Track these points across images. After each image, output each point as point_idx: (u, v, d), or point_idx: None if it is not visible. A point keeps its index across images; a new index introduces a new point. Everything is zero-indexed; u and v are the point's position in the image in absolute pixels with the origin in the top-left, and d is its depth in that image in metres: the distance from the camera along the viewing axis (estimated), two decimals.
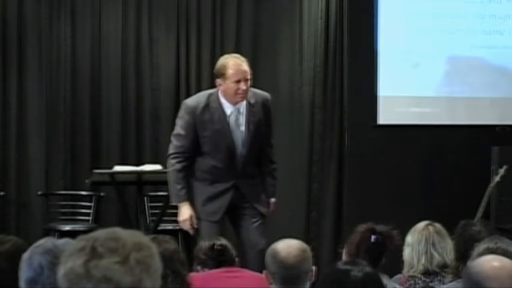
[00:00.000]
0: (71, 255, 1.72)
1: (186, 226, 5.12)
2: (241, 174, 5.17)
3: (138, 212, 6.89)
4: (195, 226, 5.10)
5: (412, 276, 4.04)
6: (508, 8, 7.54)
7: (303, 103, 7.50)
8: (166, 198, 6.33)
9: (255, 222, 5.19)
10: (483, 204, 6.31)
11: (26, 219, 7.31)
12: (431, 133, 7.39)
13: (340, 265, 2.82)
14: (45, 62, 7.33)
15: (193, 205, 5.11)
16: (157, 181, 6.56)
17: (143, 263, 1.72)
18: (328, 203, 7.49)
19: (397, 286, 3.95)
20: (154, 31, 7.46)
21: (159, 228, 6.58)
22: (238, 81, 5.06)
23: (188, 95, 7.46)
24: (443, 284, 3.92)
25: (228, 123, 5.14)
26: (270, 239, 3.66)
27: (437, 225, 4.15)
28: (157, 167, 6.15)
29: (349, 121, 7.39)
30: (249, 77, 5.11)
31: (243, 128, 5.17)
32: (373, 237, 3.90)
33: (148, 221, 6.92)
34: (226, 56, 5.30)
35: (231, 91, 5.08)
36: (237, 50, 7.49)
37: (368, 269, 2.77)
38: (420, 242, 4.07)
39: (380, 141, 7.31)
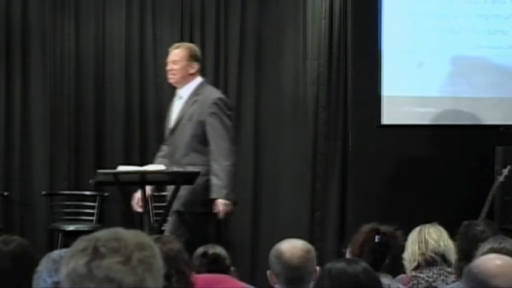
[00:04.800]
0: (73, 256, 1.72)
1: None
2: (174, 162, 5.56)
3: (142, 212, 6.88)
4: None
5: (415, 276, 4.04)
6: None
7: (306, 103, 7.50)
8: (170, 198, 6.33)
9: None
10: (487, 204, 6.31)
11: (30, 219, 7.32)
12: (435, 133, 7.39)
13: (338, 263, 2.82)
14: (49, 62, 7.34)
15: None
16: (161, 181, 6.56)
17: (145, 263, 1.72)
18: (332, 203, 7.48)
19: (401, 286, 3.95)
20: (158, 31, 7.46)
21: (163, 228, 6.57)
22: (167, 63, 5.65)
23: None
24: (447, 284, 3.92)
25: (172, 107, 5.69)
26: (274, 239, 3.66)
27: (434, 223, 4.20)
28: (161, 167, 6.14)
29: (353, 121, 7.39)
30: (175, 58, 5.58)
31: (174, 115, 5.60)
32: (377, 237, 3.91)
33: (152, 221, 6.91)
34: None
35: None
36: (241, 50, 7.53)
37: (365, 266, 2.78)
38: (413, 234, 4.12)
39: (384, 141, 7.30)
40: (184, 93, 5.59)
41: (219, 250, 4.10)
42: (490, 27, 7.47)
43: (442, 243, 4.06)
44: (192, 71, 5.57)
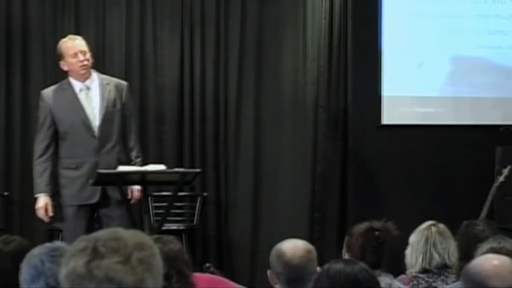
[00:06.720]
0: (72, 256, 1.72)
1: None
2: (103, 153, 5.56)
3: (142, 212, 6.89)
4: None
5: (415, 276, 4.04)
6: None
7: (306, 103, 7.49)
8: (171, 198, 6.35)
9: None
10: (487, 204, 6.32)
11: (30, 219, 7.29)
12: (435, 133, 7.39)
13: (336, 263, 2.82)
14: (50, 62, 7.33)
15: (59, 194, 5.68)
16: (161, 181, 6.56)
17: (145, 263, 1.72)
18: (332, 203, 7.48)
19: (402, 286, 3.96)
20: (158, 31, 7.46)
21: (163, 228, 6.58)
22: (75, 55, 5.50)
23: (192, 95, 7.48)
24: (447, 284, 3.92)
25: (79, 100, 5.53)
26: (274, 239, 3.66)
27: (441, 225, 4.14)
28: (162, 167, 6.15)
29: (353, 121, 7.39)
30: (85, 49, 5.55)
31: (92, 107, 5.54)
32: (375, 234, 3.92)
33: (152, 221, 6.92)
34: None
35: (74, 66, 5.51)
36: (241, 50, 7.52)
37: (364, 266, 2.78)
38: (419, 242, 4.08)
39: (384, 142, 7.31)
40: (91, 83, 5.60)
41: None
42: (490, 27, 7.48)
43: (446, 257, 4.02)
44: (92, 60, 5.66)
